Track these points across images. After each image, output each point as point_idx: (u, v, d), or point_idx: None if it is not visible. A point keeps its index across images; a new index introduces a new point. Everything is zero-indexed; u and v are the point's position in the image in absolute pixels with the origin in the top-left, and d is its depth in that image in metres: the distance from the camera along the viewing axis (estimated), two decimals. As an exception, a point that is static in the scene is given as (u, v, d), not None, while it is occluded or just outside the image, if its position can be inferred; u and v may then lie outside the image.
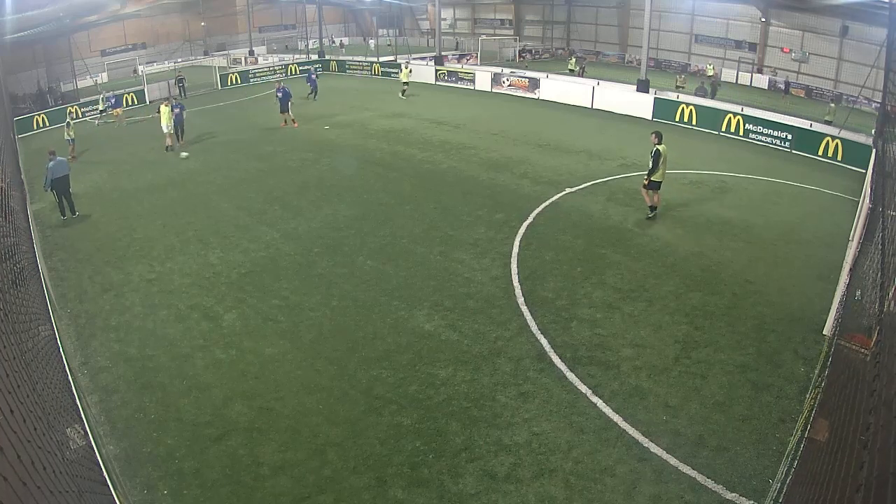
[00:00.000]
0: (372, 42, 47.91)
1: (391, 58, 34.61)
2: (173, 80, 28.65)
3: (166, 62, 40.25)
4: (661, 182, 10.79)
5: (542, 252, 9.82)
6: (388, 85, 29.82)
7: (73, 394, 5.25)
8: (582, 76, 29.55)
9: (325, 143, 17.90)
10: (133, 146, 18.64)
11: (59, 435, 3.51)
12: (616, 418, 5.96)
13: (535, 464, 5.41)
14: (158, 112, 17.72)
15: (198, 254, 10.24)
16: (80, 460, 3.89)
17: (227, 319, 8.10)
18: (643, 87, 21.12)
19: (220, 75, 31.26)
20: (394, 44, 40.09)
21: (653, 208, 11.06)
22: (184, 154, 16.81)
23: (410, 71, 27.94)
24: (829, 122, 22.37)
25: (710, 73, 33.52)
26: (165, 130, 17.39)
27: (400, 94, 25.87)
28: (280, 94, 19.81)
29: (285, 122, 20.05)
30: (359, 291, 8.72)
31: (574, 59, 36.93)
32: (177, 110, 17.83)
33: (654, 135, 10.76)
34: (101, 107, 24.06)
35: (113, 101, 24.00)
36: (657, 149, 10.51)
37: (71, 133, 17.47)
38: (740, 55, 35.87)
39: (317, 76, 27.09)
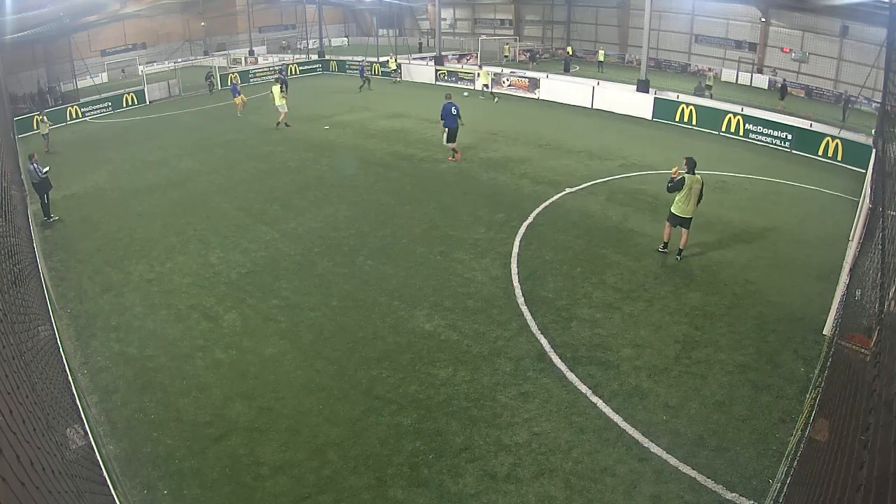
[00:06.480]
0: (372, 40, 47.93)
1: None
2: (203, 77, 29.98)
3: (166, 62, 40.29)
4: (682, 218, 9.11)
5: (542, 252, 9.82)
6: (388, 85, 29.81)
7: (73, 394, 5.25)
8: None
9: (325, 143, 17.90)
10: (135, 146, 18.66)
11: (58, 435, 3.50)
12: (616, 418, 5.95)
13: (535, 464, 5.41)
14: (271, 93, 20.15)
15: (198, 254, 10.24)
16: (80, 460, 3.89)
17: (227, 319, 8.10)
18: (643, 87, 21.14)
19: (219, 75, 31.27)
20: (394, 44, 40.10)
21: (665, 244, 9.54)
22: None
23: None
24: (708, 87, 22.48)
25: (506, 51, 38.57)
26: (282, 110, 19.74)
27: None
28: (446, 120, 14.61)
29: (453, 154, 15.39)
30: (359, 291, 8.72)
31: (602, 52, 39.84)
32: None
33: (684, 160, 9.11)
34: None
35: (237, 90, 23.99)
36: (683, 176, 8.91)
37: (45, 129, 17.77)
38: (740, 55, 35.87)
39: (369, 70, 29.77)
